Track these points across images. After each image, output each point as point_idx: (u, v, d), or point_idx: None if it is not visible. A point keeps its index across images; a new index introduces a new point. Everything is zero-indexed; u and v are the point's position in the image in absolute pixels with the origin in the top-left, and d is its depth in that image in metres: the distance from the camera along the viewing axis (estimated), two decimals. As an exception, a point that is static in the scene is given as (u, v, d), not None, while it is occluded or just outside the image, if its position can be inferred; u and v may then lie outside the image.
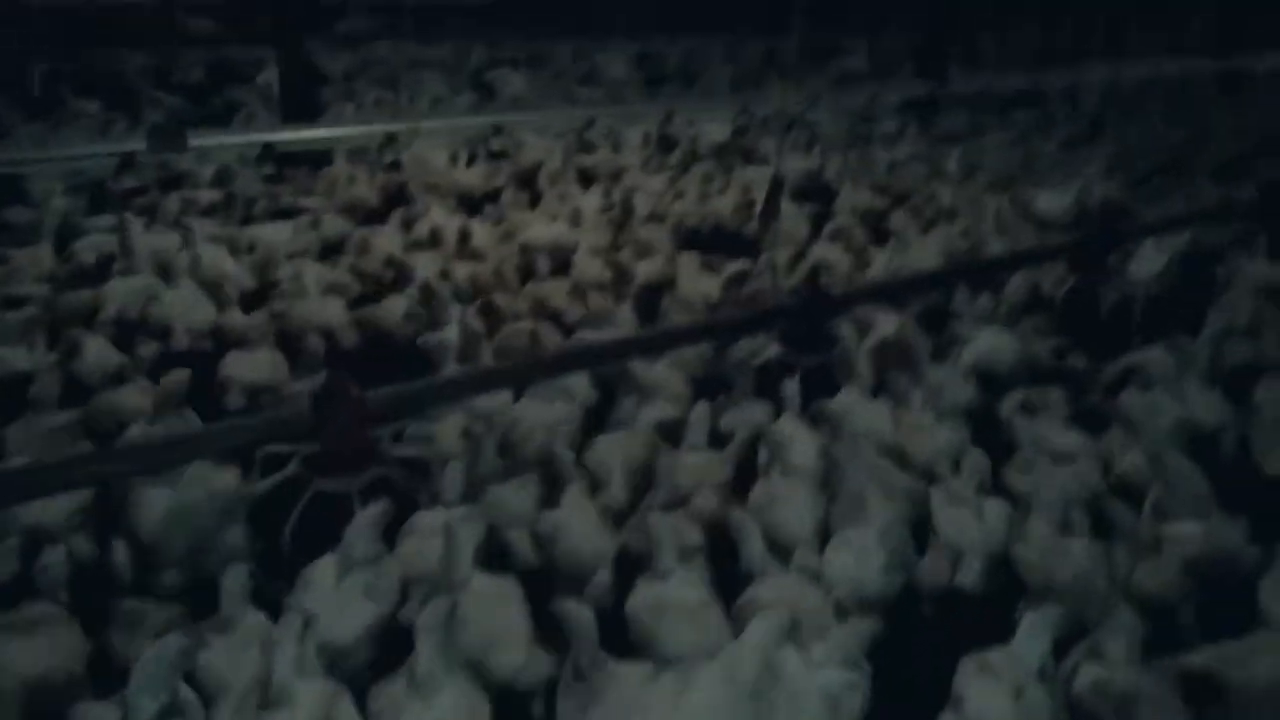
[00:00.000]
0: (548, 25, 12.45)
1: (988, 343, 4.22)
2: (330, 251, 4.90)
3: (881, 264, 5.09)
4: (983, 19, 13.07)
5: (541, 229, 5.25)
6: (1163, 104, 10.22)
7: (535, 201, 5.85)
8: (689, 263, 4.95)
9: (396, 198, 5.72)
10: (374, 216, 5.53)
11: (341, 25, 11.46)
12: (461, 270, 4.60)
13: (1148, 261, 5.37)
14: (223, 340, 3.88)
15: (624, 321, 4.18)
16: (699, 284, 4.71)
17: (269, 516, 2.68)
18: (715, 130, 7.81)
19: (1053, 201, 6.53)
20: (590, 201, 5.77)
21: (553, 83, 9.67)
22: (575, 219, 5.41)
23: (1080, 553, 2.67)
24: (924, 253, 5.37)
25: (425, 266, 4.55)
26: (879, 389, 3.65)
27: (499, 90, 9.16)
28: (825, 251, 5.22)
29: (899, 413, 3.37)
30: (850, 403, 3.39)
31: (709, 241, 5.54)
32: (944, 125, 8.83)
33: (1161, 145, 8.49)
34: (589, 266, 4.86)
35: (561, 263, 4.94)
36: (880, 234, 5.74)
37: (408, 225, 5.24)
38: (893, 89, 9.63)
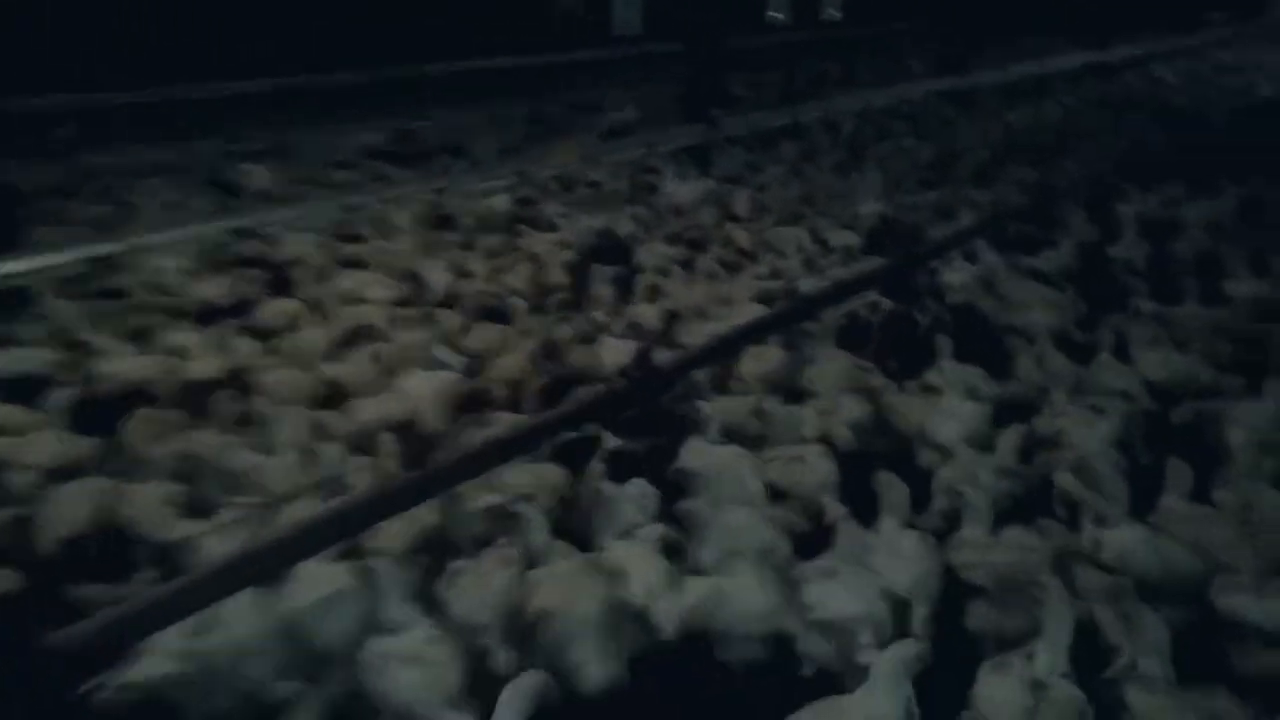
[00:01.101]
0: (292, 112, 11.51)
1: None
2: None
3: (695, 318, 4.72)
4: (737, 64, 13.50)
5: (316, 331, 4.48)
6: (908, 124, 10.83)
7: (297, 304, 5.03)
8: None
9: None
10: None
11: (59, 132, 9.96)
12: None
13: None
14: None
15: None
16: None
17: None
18: (496, 201, 7.28)
19: (844, 233, 6.51)
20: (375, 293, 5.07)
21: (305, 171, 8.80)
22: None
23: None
24: (738, 299, 5.09)
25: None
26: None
27: (244, 187, 8.17)
28: (639, 313, 4.79)
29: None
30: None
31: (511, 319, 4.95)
32: (722, 167, 8.80)
33: (919, 162, 8.91)
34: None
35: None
36: (689, 285, 5.41)
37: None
38: (668, 137, 9.55)
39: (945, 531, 3.03)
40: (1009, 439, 3.41)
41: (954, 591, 2.78)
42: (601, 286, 5.21)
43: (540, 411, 3.52)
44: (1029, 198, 7.07)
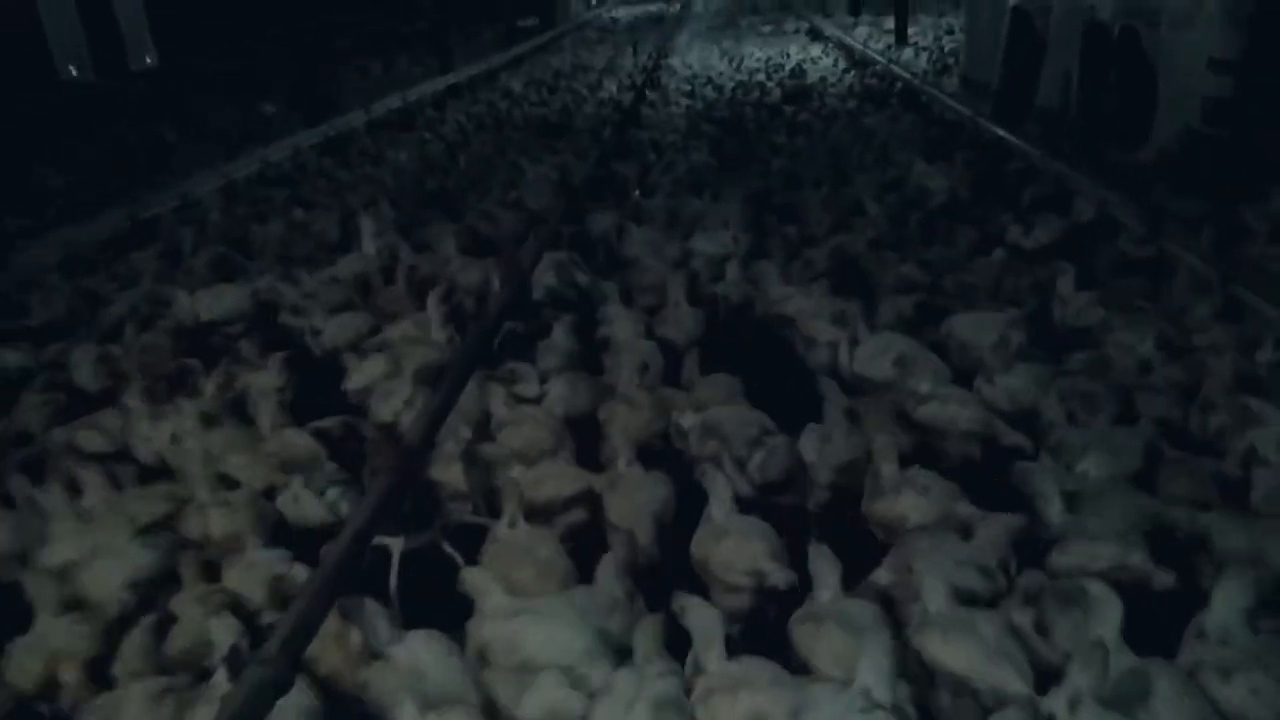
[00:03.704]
0: None
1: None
2: None
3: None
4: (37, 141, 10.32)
5: None
6: (287, 190, 9.15)
7: None
8: None
9: None
10: None
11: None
12: None
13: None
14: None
15: None
16: None
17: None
18: None
19: (260, 374, 4.76)
20: None
21: None
22: None
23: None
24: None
25: None
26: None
27: None
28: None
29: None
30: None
31: None
32: (53, 310, 6.15)
33: (323, 241, 7.35)
34: None
35: None
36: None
37: None
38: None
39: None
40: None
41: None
42: None
43: None
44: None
